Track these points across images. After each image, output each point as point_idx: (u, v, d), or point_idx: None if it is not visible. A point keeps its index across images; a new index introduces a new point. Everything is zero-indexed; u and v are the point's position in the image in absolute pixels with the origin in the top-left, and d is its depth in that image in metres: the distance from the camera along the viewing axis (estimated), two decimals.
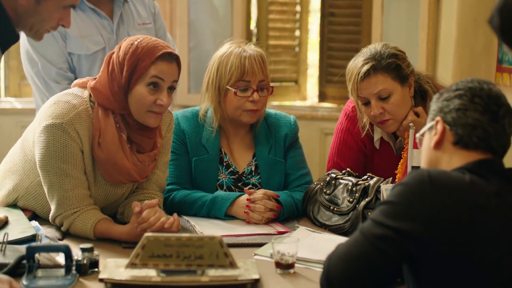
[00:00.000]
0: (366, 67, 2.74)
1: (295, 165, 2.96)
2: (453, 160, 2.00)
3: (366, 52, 2.80)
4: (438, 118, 2.03)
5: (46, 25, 2.17)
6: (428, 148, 2.07)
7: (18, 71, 5.14)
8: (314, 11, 5.74)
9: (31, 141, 2.57)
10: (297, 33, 5.53)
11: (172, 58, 2.51)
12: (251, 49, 2.83)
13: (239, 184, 2.88)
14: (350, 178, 2.72)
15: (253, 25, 5.40)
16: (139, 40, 2.49)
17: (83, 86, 2.58)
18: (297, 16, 5.51)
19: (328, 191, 2.74)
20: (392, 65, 2.75)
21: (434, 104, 2.07)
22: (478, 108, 1.98)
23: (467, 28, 4.09)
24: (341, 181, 2.73)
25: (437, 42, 4.51)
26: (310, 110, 5.23)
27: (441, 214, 1.86)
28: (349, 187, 2.67)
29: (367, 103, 2.78)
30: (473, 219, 1.85)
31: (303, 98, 5.57)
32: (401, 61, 2.77)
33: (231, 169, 2.89)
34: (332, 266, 1.98)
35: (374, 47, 2.81)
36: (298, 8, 5.49)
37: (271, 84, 2.89)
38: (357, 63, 2.77)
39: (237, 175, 2.89)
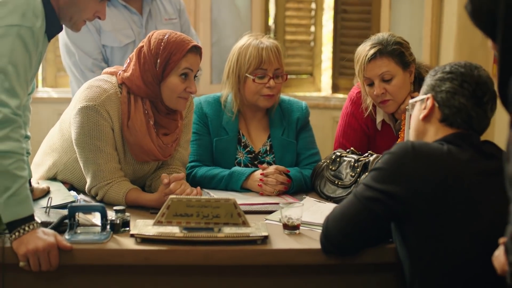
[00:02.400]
0: (373, 51, 2.91)
1: (305, 145, 3.14)
2: (438, 134, 2.18)
3: (374, 38, 2.96)
4: (429, 95, 2.21)
5: (83, 16, 2.38)
6: (417, 119, 2.25)
7: (54, 64, 5.28)
8: (328, 8, 5.80)
9: (67, 122, 2.75)
10: (312, 29, 5.60)
11: (197, 50, 2.70)
12: (267, 41, 3.01)
13: (255, 162, 3.06)
14: (353, 155, 2.88)
15: (271, 22, 5.50)
16: (167, 36, 2.66)
17: (111, 73, 2.76)
18: (312, 13, 5.58)
19: (333, 168, 2.90)
20: (396, 51, 2.91)
21: (429, 80, 2.24)
22: (465, 93, 2.16)
23: (466, 24, 4.21)
24: (345, 158, 2.89)
25: (439, 36, 4.64)
26: (323, 100, 5.36)
27: (421, 178, 2.04)
28: (352, 163, 2.83)
29: (371, 84, 2.94)
30: (449, 182, 2.03)
31: (317, 90, 5.66)
32: (404, 49, 2.94)
33: (248, 148, 3.08)
34: (329, 225, 2.19)
35: (382, 35, 2.98)
36: (313, 5, 5.56)
37: (288, 76, 3.08)
38: (365, 47, 2.94)
39: (253, 154, 3.07)
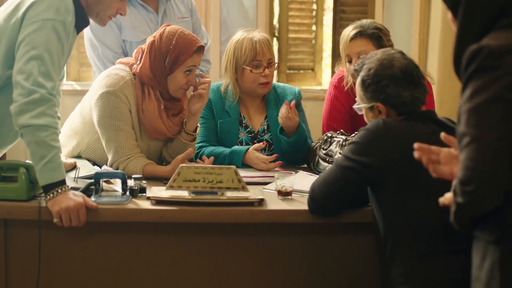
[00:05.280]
0: (354, 31, 3.19)
1: None
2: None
3: (358, 22, 3.25)
4: (378, 104, 2.41)
5: (108, 12, 2.66)
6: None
7: (77, 59, 5.46)
8: (328, 9, 5.98)
9: (88, 107, 2.99)
10: (314, 27, 5.76)
11: (201, 49, 2.95)
12: (259, 34, 3.25)
13: (255, 141, 3.29)
14: (342, 136, 3.09)
15: (275, 21, 5.68)
16: (177, 36, 2.89)
17: (125, 63, 3.02)
18: (314, 13, 5.75)
19: (325, 147, 3.11)
20: (375, 34, 3.18)
21: (365, 91, 2.43)
22: (404, 85, 2.37)
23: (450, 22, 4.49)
24: (335, 139, 3.09)
25: (427, 33, 4.86)
26: (323, 93, 5.45)
27: (391, 150, 2.29)
28: (341, 143, 3.05)
29: (351, 61, 3.21)
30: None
31: (318, 84, 5.82)
32: (383, 35, 3.20)
33: (249, 129, 3.31)
34: (314, 190, 2.45)
35: (365, 20, 3.26)
36: (314, 6, 5.73)
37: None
38: (349, 28, 3.23)
39: (253, 134, 3.32)
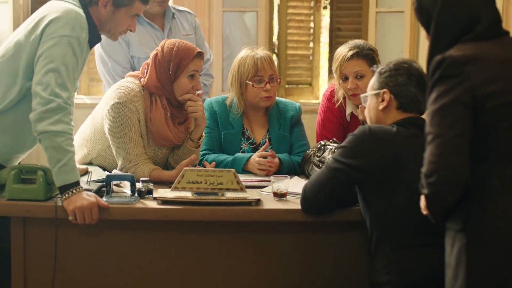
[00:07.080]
0: (351, 52, 3.35)
1: (297, 138, 3.51)
2: (395, 119, 2.56)
3: (352, 43, 3.41)
4: (384, 89, 2.59)
5: (119, 29, 2.84)
6: (376, 110, 2.62)
7: (87, 75, 5.63)
8: (325, 27, 6.10)
9: (99, 117, 3.14)
10: (311, 44, 5.90)
11: (201, 55, 3.14)
12: (262, 51, 3.41)
13: (257, 152, 3.43)
14: (334, 144, 3.24)
15: (275, 38, 5.83)
16: (177, 44, 3.07)
17: (134, 76, 3.18)
18: (311, 31, 5.88)
19: (319, 155, 3.25)
20: (369, 55, 3.36)
21: (379, 78, 2.62)
22: (413, 83, 2.56)
23: None
24: (328, 146, 3.24)
25: (417, 49, 5.06)
26: None
27: (376, 153, 2.46)
28: (333, 150, 3.19)
29: (345, 79, 3.38)
30: (397, 155, 2.44)
31: (316, 98, 5.93)
32: (375, 55, 3.39)
33: (251, 140, 3.46)
34: (307, 189, 2.61)
35: (358, 41, 3.43)
36: (311, 24, 5.87)
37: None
38: (345, 49, 3.39)
39: (255, 145, 3.46)
